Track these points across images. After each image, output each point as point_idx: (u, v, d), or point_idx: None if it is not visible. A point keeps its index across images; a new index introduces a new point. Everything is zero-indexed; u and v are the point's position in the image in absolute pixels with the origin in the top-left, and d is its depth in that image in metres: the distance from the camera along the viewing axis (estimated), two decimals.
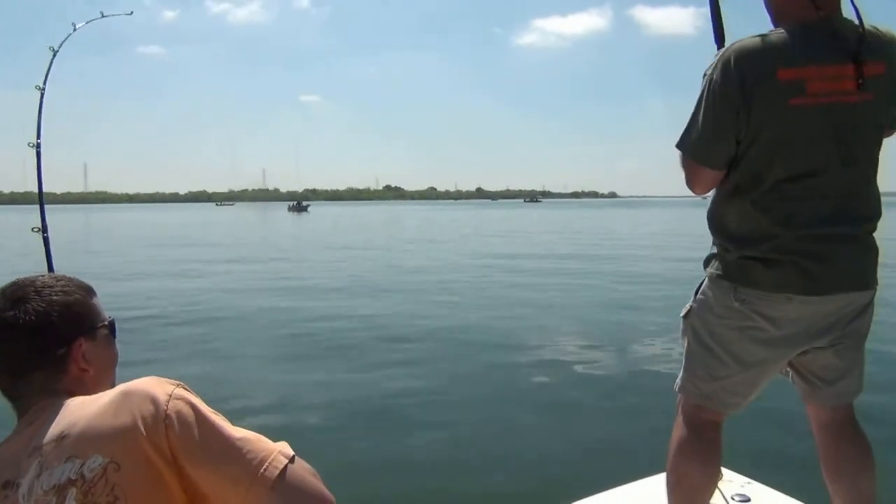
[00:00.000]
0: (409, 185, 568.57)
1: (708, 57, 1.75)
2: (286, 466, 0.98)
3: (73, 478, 0.95)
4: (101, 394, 1.03)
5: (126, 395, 1.00)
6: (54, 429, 1.01)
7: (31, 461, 0.99)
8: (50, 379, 1.09)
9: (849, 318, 1.74)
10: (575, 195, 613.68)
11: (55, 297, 1.12)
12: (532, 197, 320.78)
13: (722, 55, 1.67)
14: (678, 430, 1.83)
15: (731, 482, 2.31)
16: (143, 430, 0.96)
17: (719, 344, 1.75)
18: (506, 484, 3.64)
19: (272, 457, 0.98)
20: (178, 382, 1.05)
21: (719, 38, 1.87)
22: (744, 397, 1.79)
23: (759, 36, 1.66)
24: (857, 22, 1.63)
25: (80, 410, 1.01)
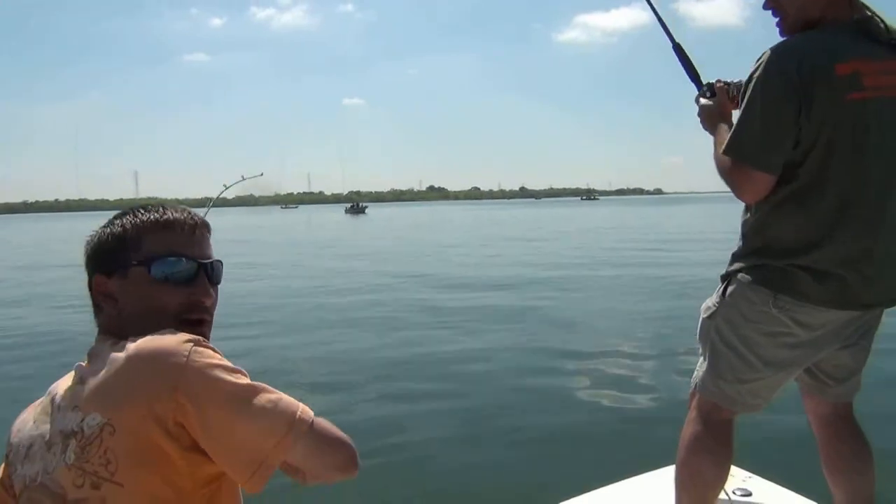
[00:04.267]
0: (453, 186, 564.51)
1: (756, 48, 1.73)
2: (311, 427, 0.96)
3: (75, 429, 0.93)
4: (120, 346, 0.97)
5: (135, 357, 0.93)
6: (79, 372, 1.00)
7: (62, 394, 0.99)
8: (96, 314, 1.08)
9: (874, 318, 1.78)
10: (620, 192, 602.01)
11: (101, 230, 1.10)
12: (588, 195, 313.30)
13: (770, 56, 1.61)
14: (692, 427, 1.81)
15: (733, 476, 2.29)
16: (146, 397, 0.90)
17: (748, 347, 1.73)
18: (508, 477, 3.67)
19: (298, 413, 0.96)
20: (194, 338, 0.96)
21: (696, 79, 1.94)
22: (765, 399, 1.79)
23: (802, 35, 1.64)
24: (882, 24, 1.66)
25: (101, 360, 0.97)
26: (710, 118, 1.82)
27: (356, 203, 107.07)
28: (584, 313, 9.02)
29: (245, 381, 0.95)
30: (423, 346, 7.07)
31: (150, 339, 0.95)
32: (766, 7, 1.76)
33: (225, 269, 1.16)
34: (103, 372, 0.94)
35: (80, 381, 0.98)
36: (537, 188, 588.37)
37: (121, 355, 0.94)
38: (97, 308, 1.08)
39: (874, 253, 1.63)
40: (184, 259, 1.08)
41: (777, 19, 1.74)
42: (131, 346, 0.95)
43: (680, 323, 7.26)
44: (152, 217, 1.09)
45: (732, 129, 1.68)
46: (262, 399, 0.94)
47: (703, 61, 1.79)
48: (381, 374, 5.87)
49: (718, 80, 1.88)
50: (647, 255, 16.75)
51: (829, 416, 1.89)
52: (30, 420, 1.02)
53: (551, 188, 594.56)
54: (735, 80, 1.86)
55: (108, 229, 1.09)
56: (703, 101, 1.87)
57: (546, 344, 7.09)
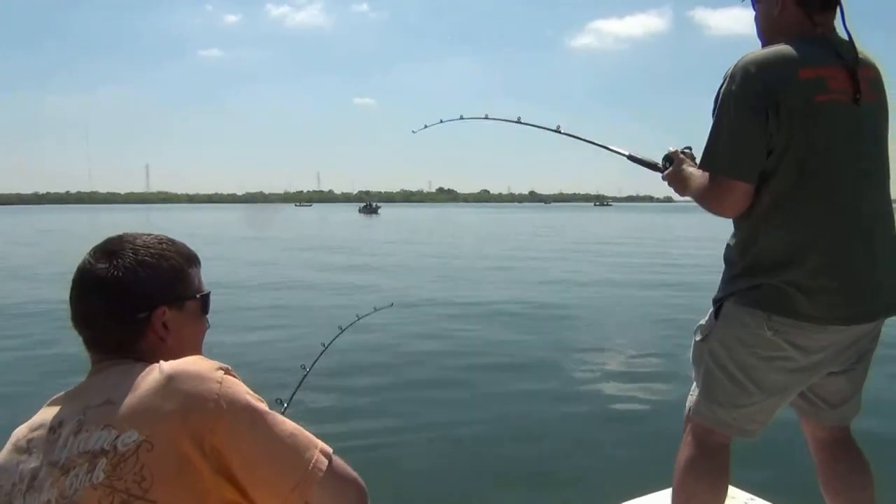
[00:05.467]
0: (462, 188, 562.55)
1: None
2: (331, 460, 1.02)
3: (105, 448, 0.94)
4: (153, 367, 1.00)
5: (172, 378, 0.97)
6: (104, 392, 1.00)
7: (75, 417, 0.99)
8: (126, 339, 1.07)
9: (869, 341, 1.75)
10: (630, 199, 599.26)
11: (148, 259, 1.09)
12: (601, 201, 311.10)
13: (734, 68, 1.66)
14: (687, 451, 1.81)
15: (735, 499, 2.26)
16: (184, 416, 0.94)
17: (744, 372, 1.71)
18: (506, 499, 3.74)
19: (318, 451, 1.01)
20: (224, 366, 1.02)
21: (652, 166, 2.01)
22: (761, 424, 1.78)
23: (766, 48, 1.70)
24: (848, 39, 1.71)
25: (133, 381, 0.99)
26: (677, 178, 1.87)
27: (370, 203, 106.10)
28: (591, 329, 9.12)
29: (268, 410, 1.01)
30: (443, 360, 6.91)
31: (185, 361, 1.01)
32: (755, 21, 1.84)
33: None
34: (139, 392, 0.97)
35: (106, 401, 0.98)
36: (546, 192, 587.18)
37: (157, 376, 0.98)
38: (132, 331, 1.08)
39: (858, 259, 1.64)
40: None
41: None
42: (167, 368, 0.99)
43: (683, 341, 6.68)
44: (190, 252, 1.17)
45: (706, 144, 1.71)
46: (287, 429, 1.00)
47: (717, 71, 1.70)
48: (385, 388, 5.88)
49: (670, 149, 1.94)
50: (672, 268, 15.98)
51: (826, 439, 1.88)
52: (13, 457, 1.01)
53: (561, 193, 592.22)
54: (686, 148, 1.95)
55: (162, 261, 1.10)
56: (666, 173, 1.91)
57: (548, 362, 7.04)
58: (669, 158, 1.92)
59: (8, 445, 1.04)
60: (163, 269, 1.10)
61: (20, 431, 1.04)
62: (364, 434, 4.57)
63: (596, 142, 2.24)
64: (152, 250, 1.10)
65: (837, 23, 1.72)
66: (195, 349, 1.12)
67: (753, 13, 1.84)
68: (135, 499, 0.91)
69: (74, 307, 1.09)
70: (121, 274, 1.06)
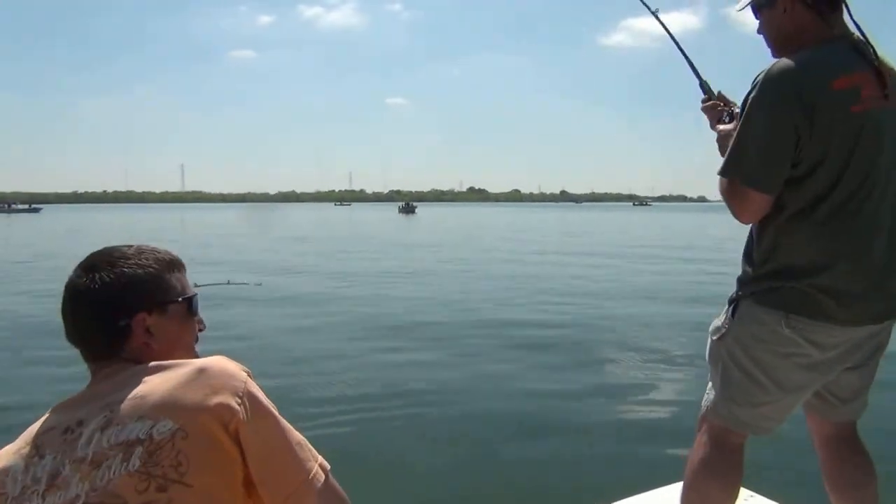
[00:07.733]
0: (493, 187, 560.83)
1: None
2: (327, 479, 1.08)
3: (141, 437, 0.98)
4: (181, 362, 1.06)
5: (203, 371, 1.04)
6: (130, 390, 1.04)
7: (99, 415, 1.02)
8: (114, 347, 1.12)
9: (886, 335, 1.76)
10: (662, 199, 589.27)
11: (125, 270, 1.13)
12: (641, 201, 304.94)
13: (766, 76, 1.62)
14: (702, 451, 1.79)
15: None
16: (215, 406, 1.00)
17: (761, 370, 1.71)
18: (515, 492, 3.74)
19: (318, 465, 1.07)
20: (246, 369, 1.08)
21: (703, 86, 2.04)
22: (777, 422, 1.78)
23: (795, 55, 1.63)
24: (861, 37, 1.66)
25: (159, 377, 1.04)
26: (715, 122, 1.89)
27: (408, 203, 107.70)
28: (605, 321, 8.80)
29: (282, 423, 1.07)
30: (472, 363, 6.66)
31: (215, 359, 1.07)
32: (759, 31, 1.79)
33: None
34: (170, 385, 1.03)
35: (135, 395, 1.02)
36: (578, 192, 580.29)
37: (188, 370, 1.04)
38: (117, 338, 1.12)
39: (882, 262, 1.65)
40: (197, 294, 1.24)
41: (768, 43, 1.78)
42: (200, 364, 1.06)
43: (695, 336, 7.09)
44: (170, 257, 1.21)
45: (728, 150, 1.67)
46: (296, 437, 1.07)
47: (752, 68, 1.72)
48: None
49: (715, 92, 1.95)
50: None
51: (832, 436, 1.88)
52: (18, 462, 1.03)
53: (593, 192, 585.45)
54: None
55: (138, 270, 1.14)
56: (721, 127, 1.87)
57: (558, 355, 6.90)
58: (731, 115, 1.87)
59: (8, 451, 1.07)
60: (139, 278, 1.14)
61: (20, 440, 1.07)
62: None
63: None
64: (131, 261, 1.15)
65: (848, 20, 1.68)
66: (186, 350, 1.19)
67: (757, 22, 1.77)
68: (172, 483, 0.96)
69: (66, 323, 1.14)
70: (98, 287, 1.11)
